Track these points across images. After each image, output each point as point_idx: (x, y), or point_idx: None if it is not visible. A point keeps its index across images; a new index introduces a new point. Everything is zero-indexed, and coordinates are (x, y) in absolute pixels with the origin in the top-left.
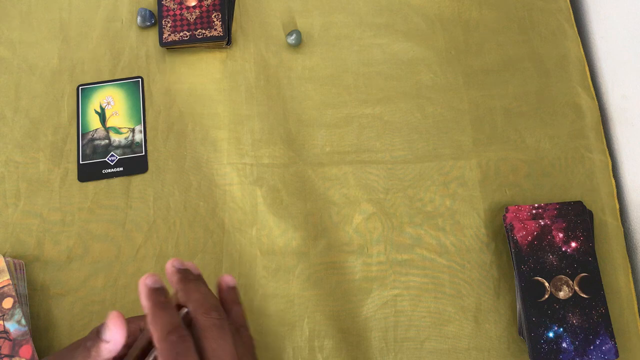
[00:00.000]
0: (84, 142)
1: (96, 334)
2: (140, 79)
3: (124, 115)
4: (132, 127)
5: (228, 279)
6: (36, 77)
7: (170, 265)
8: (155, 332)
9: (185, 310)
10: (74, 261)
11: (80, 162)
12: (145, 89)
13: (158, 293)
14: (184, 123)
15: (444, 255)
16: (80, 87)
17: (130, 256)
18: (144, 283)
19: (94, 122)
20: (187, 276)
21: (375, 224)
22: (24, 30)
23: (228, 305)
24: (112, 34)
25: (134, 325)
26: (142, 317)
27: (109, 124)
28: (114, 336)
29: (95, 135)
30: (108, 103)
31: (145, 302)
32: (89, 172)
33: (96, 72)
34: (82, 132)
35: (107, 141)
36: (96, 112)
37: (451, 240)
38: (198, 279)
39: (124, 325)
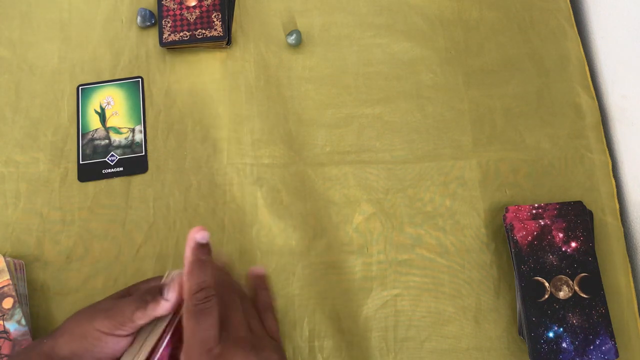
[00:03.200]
0: (84, 142)
1: (159, 292)
2: (140, 79)
3: (124, 115)
4: (132, 127)
5: (257, 269)
6: (36, 77)
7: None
8: (187, 285)
9: None
10: (74, 261)
11: (81, 162)
12: (145, 89)
13: (203, 249)
14: (184, 123)
15: (444, 255)
16: (80, 87)
17: (130, 256)
18: (193, 236)
19: (94, 122)
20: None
21: (375, 224)
22: (24, 30)
23: (257, 289)
24: (112, 34)
25: None
26: None
27: (109, 124)
28: (175, 297)
29: (95, 135)
30: (108, 103)
31: (188, 254)
32: (89, 172)
33: (96, 72)
34: (82, 132)
35: (107, 141)
36: (96, 112)
37: (451, 240)
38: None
39: (181, 288)
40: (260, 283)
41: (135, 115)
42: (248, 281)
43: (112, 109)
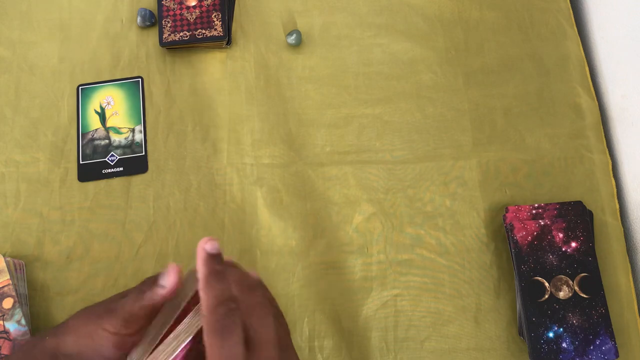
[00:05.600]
0: (84, 142)
1: (153, 281)
2: (140, 79)
3: (124, 115)
4: (132, 127)
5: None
6: (36, 77)
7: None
8: (205, 301)
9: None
10: (74, 261)
11: (81, 162)
12: (145, 89)
13: (215, 260)
14: (184, 123)
15: (444, 255)
16: (80, 87)
17: (130, 256)
18: (203, 247)
19: (94, 122)
20: (218, 264)
21: (375, 224)
22: (24, 30)
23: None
24: (112, 34)
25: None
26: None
27: (109, 124)
28: (170, 282)
29: (95, 135)
30: (108, 103)
31: (201, 268)
32: (89, 172)
33: (96, 72)
34: (82, 132)
35: (107, 141)
36: (96, 112)
37: (451, 240)
38: (231, 264)
39: (179, 275)
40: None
41: (135, 115)
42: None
43: (112, 109)
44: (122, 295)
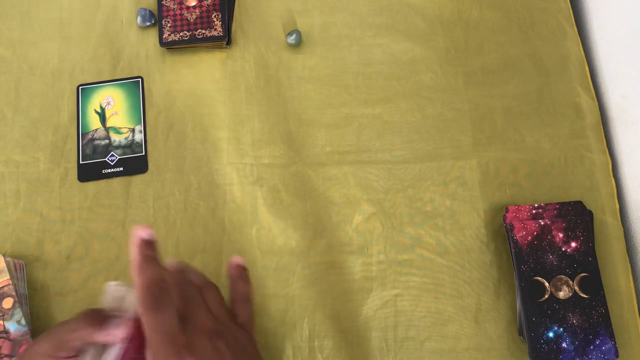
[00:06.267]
0: (84, 142)
1: (97, 317)
2: (140, 79)
3: (124, 115)
4: (132, 127)
5: (236, 259)
6: (36, 77)
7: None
8: (138, 282)
9: None
10: (74, 261)
11: (80, 162)
12: (146, 88)
13: (149, 246)
14: (184, 123)
15: (444, 255)
16: (80, 87)
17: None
18: (138, 234)
19: (94, 122)
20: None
21: (375, 224)
22: (24, 30)
23: (234, 280)
24: (112, 34)
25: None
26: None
27: (109, 123)
28: (122, 334)
29: (95, 135)
30: (108, 103)
31: (134, 253)
32: (89, 172)
33: (96, 72)
34: (82, 132)
35: (107, 141)
36: (96, 112)
37: (451, 240)
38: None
39: (132, 326)
40: (239, 274)
41: (135, 115)
42: (227, 271)
43: (112, 108)
44: (71, 328)
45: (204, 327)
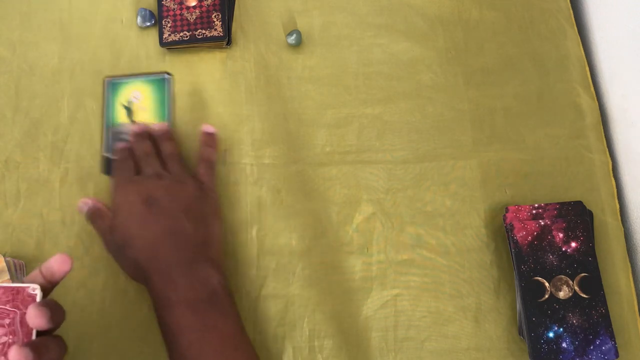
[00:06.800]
0: (110, 134)
1: None
2: (167, 76)
3: (151, 111)
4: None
5: (207, 126)
6: (36, 77)
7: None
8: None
9: None
10: (74, 261)
11: (104, 154)
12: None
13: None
14: (184, 123)
15: (444, 255)
16: (106, 80)
17: None
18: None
19: (121, 116)
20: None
21: (375, 224)
22: (24, 30)
23: (202, 144)
24: (112, 34)
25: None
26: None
27: (136, 119)
28: None
29: (121, 129)
30: (135, 97)
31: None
32: (111, 165)
33: (96, 72)
34: (108, 125)
35: (127, 137)
36: (124, 106)
37: (451, 240)
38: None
39: None
40: (206, 139)
41: (161, 111)
42: (199, 138)
43: (140, 104)
44: None
45: (149, 172)
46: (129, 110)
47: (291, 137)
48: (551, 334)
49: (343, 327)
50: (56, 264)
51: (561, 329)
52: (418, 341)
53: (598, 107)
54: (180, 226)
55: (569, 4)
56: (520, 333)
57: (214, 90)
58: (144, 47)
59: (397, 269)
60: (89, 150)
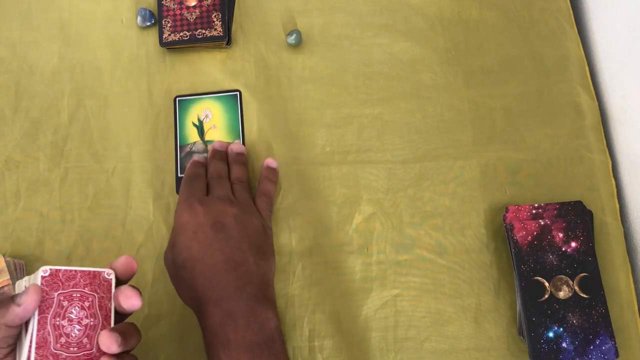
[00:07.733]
0: (182, 154)
1: (10, 298)
2: (238, 93)
3: (223, 129)
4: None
5: (270, 161)
6: (36, 77)
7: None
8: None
9: None
10: (74, 261)
11: (179, 176)
12: (145, 89)
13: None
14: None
15: (443, 256)
16: (177, 99)
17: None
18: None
19: (192, 135)
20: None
21: (375, 224)
22: (24, 30)
23: (261, 178)
24: (112, 34)
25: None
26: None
27: (207, 137)
28: (28, 302)
29: (193, 148)
30: (206, 116)
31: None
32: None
33: (96, 72)
34: (180, 144)
35: (206, 154)
36: (194, 124)
37: (451, 240)
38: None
39: (39, 295)
40: (269, 175)
41: (234, 129)
42: (261, 171)
43: (210, 122)
44: None
45: (220, 195)
46: (199, 128)
47: (291, 137)
48: (551, 334)
49: (343, 327)
50: (121, 267)
51: (561, 329)
52: (418, 341)
53: (598, 107)
54: (244, 258)
55: (569, 4)
56: (520, 333)
57: (214, 90)
58: (144, 47)
59: (397, 269)
60: (89, 150)
